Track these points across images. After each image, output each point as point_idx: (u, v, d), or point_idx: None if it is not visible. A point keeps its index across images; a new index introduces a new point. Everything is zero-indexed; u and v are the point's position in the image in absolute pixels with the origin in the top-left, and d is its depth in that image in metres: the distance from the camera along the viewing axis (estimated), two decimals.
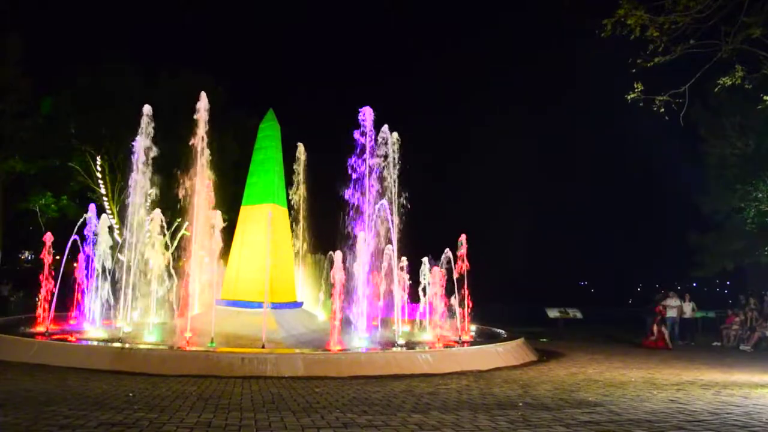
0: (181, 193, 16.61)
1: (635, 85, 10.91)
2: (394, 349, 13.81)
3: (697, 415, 7.45)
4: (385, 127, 17.59)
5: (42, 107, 29.65)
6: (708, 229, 28.23)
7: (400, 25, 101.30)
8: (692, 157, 28.94)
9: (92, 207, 18.09)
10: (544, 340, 20.46)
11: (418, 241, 18.63)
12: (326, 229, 21.20)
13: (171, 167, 18.94)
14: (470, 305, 17.81)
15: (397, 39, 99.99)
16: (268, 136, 17.30)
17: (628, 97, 10.99)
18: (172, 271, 16.12)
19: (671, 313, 21.63)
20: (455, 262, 17.36)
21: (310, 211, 21.69)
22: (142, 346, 12.86)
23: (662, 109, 11.04)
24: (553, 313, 27.36)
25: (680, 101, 10.97)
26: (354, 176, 17.09)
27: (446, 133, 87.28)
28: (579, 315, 27.84)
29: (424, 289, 17.32)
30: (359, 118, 17.27)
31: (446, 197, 66.72)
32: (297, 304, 17.29)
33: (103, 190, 30.18)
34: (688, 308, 22.05)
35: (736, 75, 10.65)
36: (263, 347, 12.43)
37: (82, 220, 17.13)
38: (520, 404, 8.12)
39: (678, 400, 8.73)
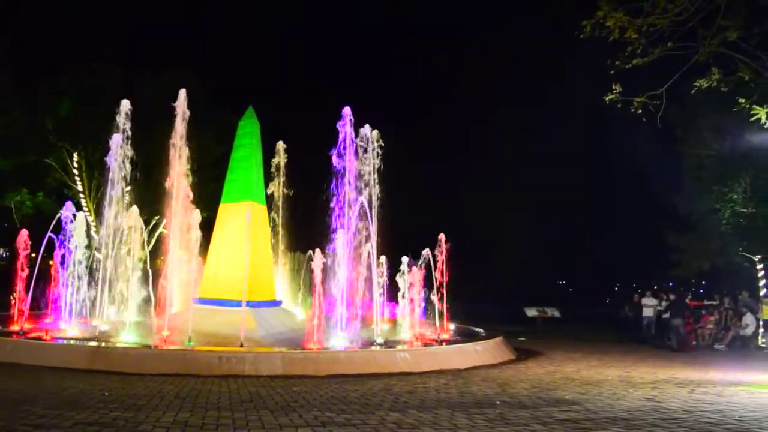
0: (159, 191, 16.45)
1: (613, 87, 10.99)
2: (373, 347, 13.80)
3: (672, 413, 7.54)
4: (367, 126, 17.56)
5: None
6: (685, 230, 28.48)
7: (400, 25, 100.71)
8: (670, 158, 29.18)
9: (69, 204, 17.82)
10: (523, 338, 20.58)
11: (401, 240, 18.63)
12: (306, 227, 21.14)
13: (150, 165, 18.75)
14: (448, 304, 17.87)
15: (398, 39, 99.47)
16: (248, 133, 17.20)
17: (607, 99, 11.07)
18: (150, 269, 15.95)
19: (648, 313, 21.91)
20: (435, 261, 17.42)
21: (290, 209, 21.61)
22: (119, 345, 12.74)
23: (639, 111, 11.13)
24: (531, 312, 27.55)
25: (657, 103, 11.06)
26: (337, 175, 17.03)
27: (440, 135, 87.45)
28: (557, 314, 28.06)
29: (402, 288, 17.31)
30: (344, 118, 17.20)
31: (432, 196, 66.48)
32: (276, 303, 17.22)
33: (80, 187, 29.77)
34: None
35: (713, 78, 10.76)
36: (241, 346, 12.38)
37: (57, 217, 16.85)
38: (498, 403, 8.17)
39: (654, 398, 8.84)
